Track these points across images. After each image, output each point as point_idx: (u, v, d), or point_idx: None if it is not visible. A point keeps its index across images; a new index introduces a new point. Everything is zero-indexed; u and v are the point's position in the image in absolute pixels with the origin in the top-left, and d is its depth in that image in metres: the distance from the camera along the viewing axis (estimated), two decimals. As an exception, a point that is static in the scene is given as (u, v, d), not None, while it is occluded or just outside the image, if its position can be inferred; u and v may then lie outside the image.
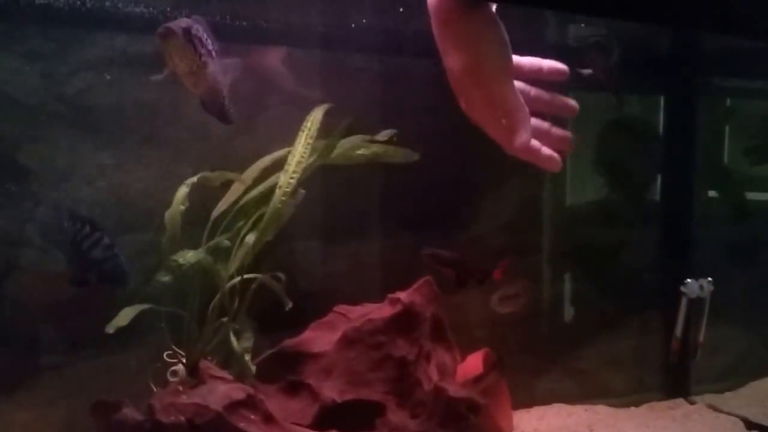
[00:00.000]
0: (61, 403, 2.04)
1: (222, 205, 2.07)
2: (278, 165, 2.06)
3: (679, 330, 2.58)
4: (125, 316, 1.82)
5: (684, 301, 2.59)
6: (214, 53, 1.46)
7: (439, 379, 2.11)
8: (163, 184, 2.08)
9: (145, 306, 1.86)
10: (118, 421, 1.76)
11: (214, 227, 2.04)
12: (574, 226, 2.85)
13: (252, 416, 1.79)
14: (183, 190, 1.98)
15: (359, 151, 2.11)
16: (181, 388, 1.85)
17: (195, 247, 1.99)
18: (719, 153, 3.26)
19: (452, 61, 0.94)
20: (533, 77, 1.02)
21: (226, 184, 2.07)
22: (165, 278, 1.95)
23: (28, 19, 1.95)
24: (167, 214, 1.96)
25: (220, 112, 1.52)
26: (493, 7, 0.94)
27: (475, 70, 0.93)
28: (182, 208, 1.95)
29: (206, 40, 1.44)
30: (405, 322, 2.08)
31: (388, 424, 1.97)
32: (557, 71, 1.03)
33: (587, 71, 2.23)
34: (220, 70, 1.48)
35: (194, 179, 1.98)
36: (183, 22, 1.41)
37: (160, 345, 1.97)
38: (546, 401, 2.63)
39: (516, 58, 0.98)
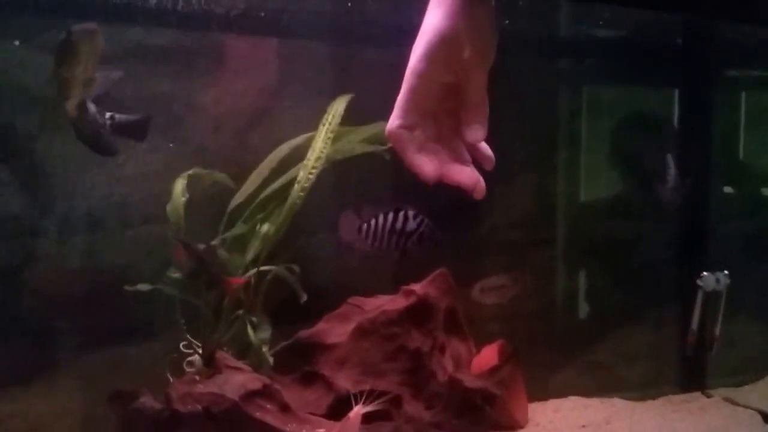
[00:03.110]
0: (78, 393, 2.05)
1: (239, 198, 2.07)
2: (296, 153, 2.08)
3: (695, 323, 2.56)
4: (145, 286, 1.92)
5: (700, 295, 2.56)
6: None
7: (454, 371, 2.11)
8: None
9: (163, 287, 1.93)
10: (135, 410, 1.78)
11: (231, 219, 2.05)
12: (589, 220, 2.84)
13: (268, 406, 1.80)
14: (180, 182, 1.99)
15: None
16: (197, 378, 1.86)
17: (210, 239, 2.01)
18: (735, 146, 3.23)
19: (447, 27, 0.89)
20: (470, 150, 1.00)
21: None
22: (175, 274, 1.97)
23: (45, 11, 1.96)
24: (169, 207, 1.98)
25: None
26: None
27: (475, 50, 0.90)
28: (183, 199, 1.96)
29: None
30: (419, 313, 2.08)
31: (403, 414, 1.97)
32: (488, 159, 1.01)
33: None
34: None
35: (190, 171, 2.00)
36: None
37: (176, 336, 1.98)
38: (562, 394, 2.61)
39: None
